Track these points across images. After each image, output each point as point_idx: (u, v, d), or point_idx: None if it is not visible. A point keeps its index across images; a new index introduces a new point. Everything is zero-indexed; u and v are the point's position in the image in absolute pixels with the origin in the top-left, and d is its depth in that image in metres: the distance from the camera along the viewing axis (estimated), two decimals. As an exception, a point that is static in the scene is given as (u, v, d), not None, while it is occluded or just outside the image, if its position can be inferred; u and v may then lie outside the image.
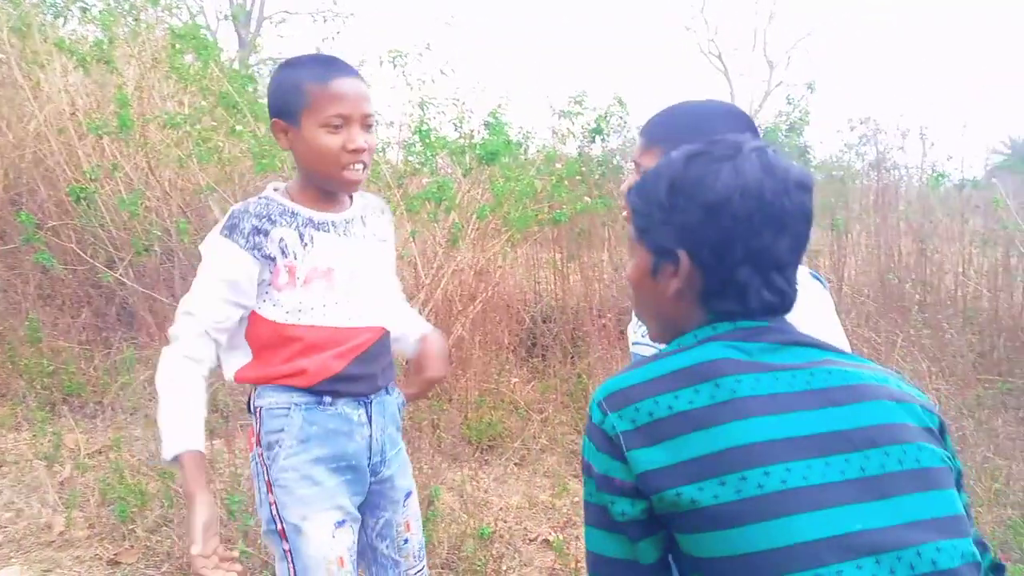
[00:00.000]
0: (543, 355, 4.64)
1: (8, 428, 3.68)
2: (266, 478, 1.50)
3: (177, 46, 4.48)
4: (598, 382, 4.17)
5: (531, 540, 2.99)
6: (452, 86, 4.45)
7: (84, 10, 5.45)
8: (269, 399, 1.50)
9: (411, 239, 4.24)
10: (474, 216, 4.16)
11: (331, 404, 1.50)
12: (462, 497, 3.10)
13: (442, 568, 2.66)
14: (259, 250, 1.45)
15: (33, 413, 3.72)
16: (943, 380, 4.09)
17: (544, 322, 4.91)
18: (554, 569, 2.77)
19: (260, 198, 1.51)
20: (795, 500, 0.81)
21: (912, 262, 4.96)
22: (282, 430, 1.48)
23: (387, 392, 1.62)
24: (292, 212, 1.49)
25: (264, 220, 1.46)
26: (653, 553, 0.88)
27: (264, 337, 1.49)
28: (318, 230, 1.50)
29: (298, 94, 1.44)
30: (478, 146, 4.07)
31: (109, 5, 5.56)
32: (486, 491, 3.32)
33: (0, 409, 3.85)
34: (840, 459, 0.84)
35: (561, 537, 2.95)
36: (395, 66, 3.96)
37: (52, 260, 4.23)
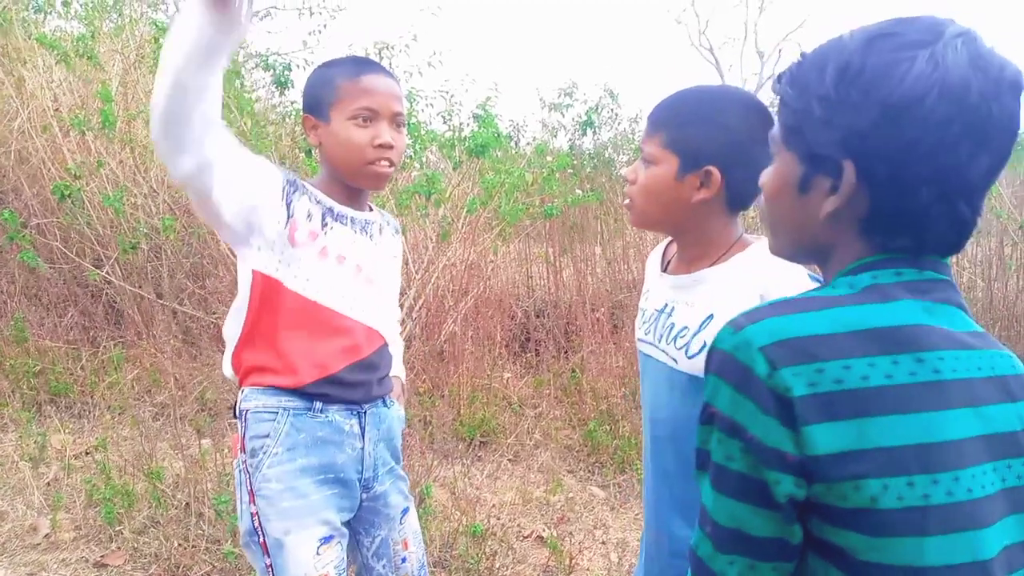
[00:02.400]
0: (536, 350, 4.61)
1: (-7, 430, 3.63)
2: (248, 486, 1.42)
3: (161, 41, 4.42)
4: (592, 377, 4.15)
5: (525, 537, 2.96)
6: (440, 78, 4.41)
7: (67, 5, 5.37)
8: (256, 402, 1.42)
9: (401, 234, 4.20)
10: (464, 210, 4.12)
11: (321, 411, 1.43)
12: (454, 494, 3.06)
13: (435, 566, 2.63)
14: (289, 195, 1.41)
15: (19, 414, 3.67)
16: (938, 370, 4.08)
17: (537, 317, 4.88)
18: (548, 566, 2.74)
19: (297, 178, 1.49)
20: (979, 512, 0.70)
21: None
22: (267, 435, 1.41)
23: (384, 404, 1.55)
24: (318, 199, 1.47)
25: (301, 189, 1.45)
26: (801, 531, 0.73)
27: (274, 304, 1.41)
28: (336, 220, 1.48)
29: (328, 88, 1.45)
30: (467, 139, 4.02)
31: (92, 0, 5.49)
32: (479, 488, 3.29)
33: (-15, 410, 3.79)
34: (1004, 465, 0.73)
35: (555, 533, 2.92)
36: (382, 59, 3.91)
37: (37, 259, 4.17)
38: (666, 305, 1.30)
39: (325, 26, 6.30)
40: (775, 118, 0.83)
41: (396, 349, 1.69)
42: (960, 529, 0.69)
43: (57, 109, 4.71)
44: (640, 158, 1.28)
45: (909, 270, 0.75)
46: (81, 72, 4.71)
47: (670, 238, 1.39)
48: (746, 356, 0.70)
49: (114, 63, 4.85)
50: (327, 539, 1.42)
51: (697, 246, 1.25)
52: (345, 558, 1.48)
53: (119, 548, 2.69)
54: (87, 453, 3.41)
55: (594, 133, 5.76)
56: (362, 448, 1.49)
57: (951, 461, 0.69)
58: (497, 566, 2.68)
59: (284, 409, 1.41)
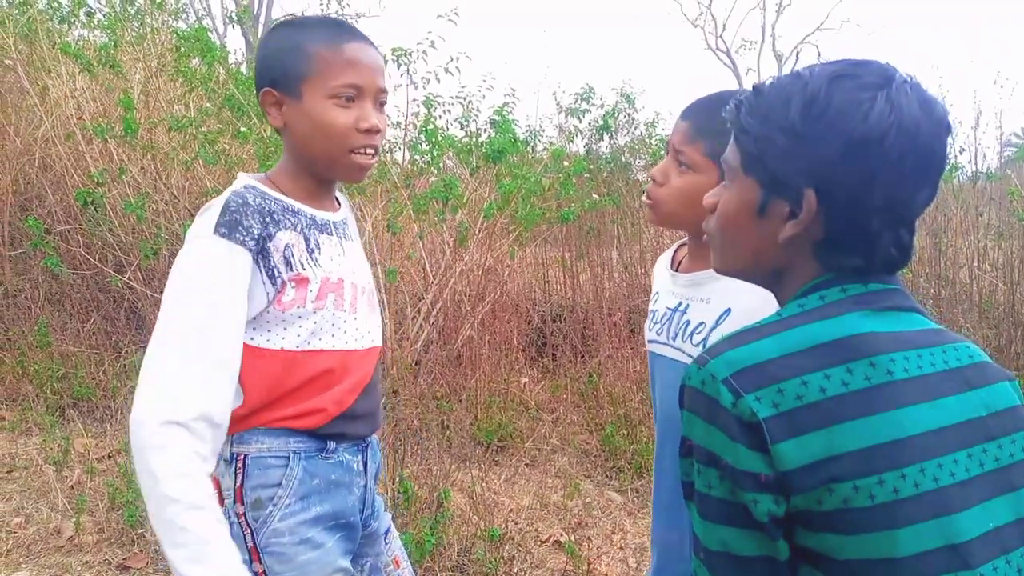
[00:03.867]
0: (553, 355, 4.61)
1: (18, 433, 3.68)
2: (251, 542, 1.18)
3: (183, 49, 4.48)
4: (609, 381, 4.15)
5: (542, 541, 2.95)
6: (458, 84, 4.44)
7: (90, 15, 5.46)
8: (259, 445, 1.18)
9: (419, 239, 4.22)
10: (481, 215, 4.13)
11: (334, 451, 1.24)
12: (472, 498, 3.07)
13: (452, 570, 2.64)
14: (265, 259, 1.14)
15: (43, 418, 3.72)
16: (959, 375, 4.03)
17: (554, 321, 4.89)
18: (566, 570, 2.74)
19: (248, 188, 1.19)
20: (949, 499, 0.74)
21: (926, 256, 4.90)
22: (279, 484, 1.18)
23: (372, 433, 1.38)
24: (293, 210, 1.20)
25: (268, 220, 1.15)
26: (787, 547, 0.76)
27: (268, 373, 1.18)
28: (321, 232, 1.23)
29: (301, 58, 1.16)
30: (485, 144, 4.04)
31: (115, 10, 5.57)
32: (496, 492, 3.29)
33: (10, 414, 3.85)
34: (979, 450, 0.77)
35: (573, 538, 2.92)
36: (399, 65, 3.93)
37: (61, 265, 4.24)
38: (680, 303, 1.31)
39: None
40: (733, 143, 0.87)
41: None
42: (931, 517, 0.73)
43: (80, 117, 4.79)
44: (670, 158, 1.26)
45: (854, 285, 0.81)
46: (104, 80, 4.78)
47: (679, 243, 1.40)
48: (711, 389, 0.75)
49: (136, 71, 4.92)
50: None
51: None
52: None
53: (141, 551, 2.72)
54: (110, 457, 3.45)
55: (611, 137, 5.75)
56: (364, 485, 1.32)
57: (916, 454, 0.74)
58: (515, 571, 2.68)
59: (295, 453, 1.20)
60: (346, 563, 1.27)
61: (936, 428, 0.75)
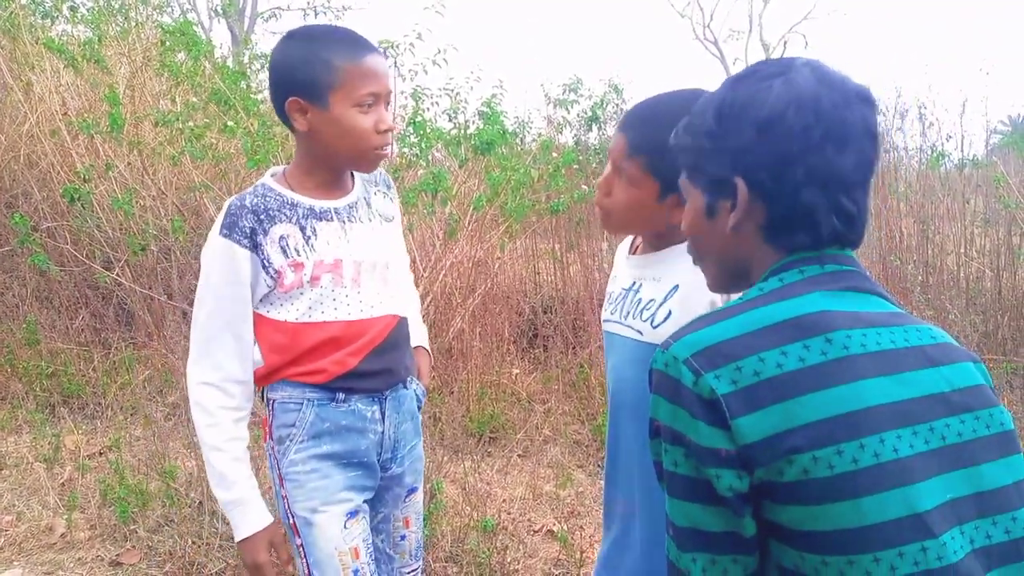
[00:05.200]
0: (544, 346, 4.62)
1: (8, 431, 3.66)
2: (278, 471, 1.47)
3: (168, 43, 4.45)
4: (600, 372, 4.16)
5: (535, 531, 2.97)
6: (446, 76, 4.42)
7: (73, 10, 5.41)
8: (281, 392, 1.46)
9: (408, 232, 4.21)
10: (471, 208, 4.13)
11: (344, 401, 1.46)
12: (465, 489, 3.08)
13: (446, 561, 2.65)
14: (260, 252, 1.39)
15: (33, 415, 3.71)
16: (947, 361, 4.06)
17: (544, 313, 4.89)
18: (559, 560, 2.75)
19: (258, 186, 1.44)
20: (908, 470, 0.76)
21: (914, 243, 4.93)
22: (293, 425, 1.45)
23: (404, 386, 1.56)
24: (292, 204, 1.42)
25: (263, 216, 1.39)
26: (753, 524, 0.79)
27: (276, 340, 1.44)
28: (320, 220, 1.43)
29: (326, 70, 1.34)
30: (473, 136, 4.03)
31: (99, 4, 5.52)
32: (489, 483, 3.30)
33: (0, 412, 3.84)
34: (941, 424, 0.80)
35: (565, 527, 2.94)
36: (387, 57, 3.92)
37: (48, 262, 4.20)
38: (634, 283, 1.37)
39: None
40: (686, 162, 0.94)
41: (413, 312, 1.68)
42: (892, 487, 0.75)
43: (65, 113, 4.75)
44: (612, 170, 1.29)
45: (811, 267, 0.86)
46: (88, 76, 4.74)
47: None
48: (674, 370, 0.80)
49: (121, 66, 4.88)
50: (352, 514, 1.47)
51: (666, 236, 1.32)
52: (370, 532, 1.53)
53: (134, 547, 2.72)
54: (101, 453, 3.44)
55: (599, 128, 5.75)
56: (382, 432, 1.51)
57: (874, 425, 0.76)
58: (508, 560, 2.69)
59: (308, 400, 1.45)
60: (356, 496, 1.49)
61: (895, 401, 0.78)
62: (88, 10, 5.47)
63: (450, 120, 4.46)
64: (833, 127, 0.83)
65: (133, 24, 5.31)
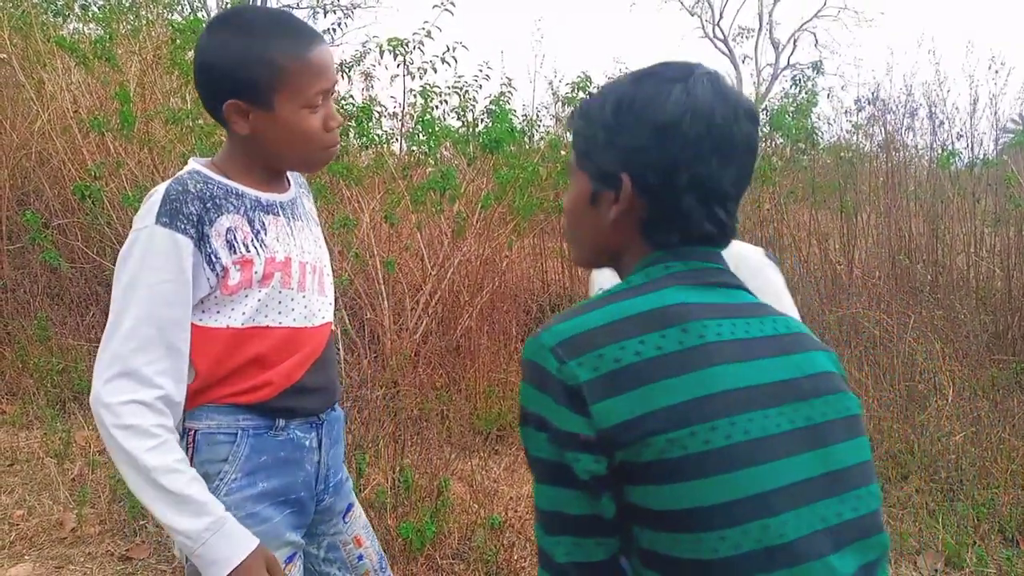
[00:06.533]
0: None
1: (19, 426, 3.69)
2: None
3: (178, 41, 4.47)
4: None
5: (542, 529, 2.97)
6: (454, 74, 4.41)
7: (84, 8, 5.44)
8: (208, 421, 1.22)
9: (417, 230, 4.22)
10: (479, 206, 4.13)
11: (283, 428, 1.27)
12: (472, 487, 3.09)
13: (453, 559, 2.65)
14: (206, 244, 1.18)
15: (43, 411, 3.74)
16: (956, 361, 4.05)
17: (552, 311, 4.90)
18: (566, 558, 2.75)
19: (192, 172, 1.22)
20: (758, 451, 0.80)
21: (923, 243, 4.91)
22: (225, 460, 1.22)
23: (333, 408, 1.40)
24: (237, 193, 1.23)
25: (209, 204, 1.19)
26: (613, 506, 0.82)
27: (214, 351, 1.21)
28: (267, 213, 1.26)
29: (269, 70, 1.17)
30: (482, 134, 4.04)
31: (110, 3, 5.55)
32: (496, 481, 3.31)
33: (11, 408, 3.86)
34: (790, 409, 0.83)
35: (572, 525, 2.94)
36: (396, 56, 3.92)
37: (59, 259, 4.24)
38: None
39: (340, 24, 6.32)
40: (571, 145, 0.98)
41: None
42: (740, 467, 0.79)
43: (76, 111, 4.78)
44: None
45: (676, 263, 0.90)
46: (99, 74, 4.77)
47: None
48: (540, 357, 0.83)
49: (132, 64, 4.91)
50: (291, 558, 1.30)
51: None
52: (308, 569, 1.41)
53: (143, 542, 2.74)
54: (111, 449, 3.46)
55: (608, 127, 5.75)
56: (318, 461, 1.34)
57: (726, 409, 0.80)
58: (515, 558, 2.70)
59: (243, 430, 1.24)
60: (295, 537, 1.31)
61: (748, 385, 0.82)
62: (99, 8, 5.50)
63: (459, 118, 4.46)
64: (722, 140, 0.87)
65: (144, 22, 5.34)
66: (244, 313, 1.22)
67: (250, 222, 1.23)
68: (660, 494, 0.79)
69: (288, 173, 1.37)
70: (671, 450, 0.78)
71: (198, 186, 1.20)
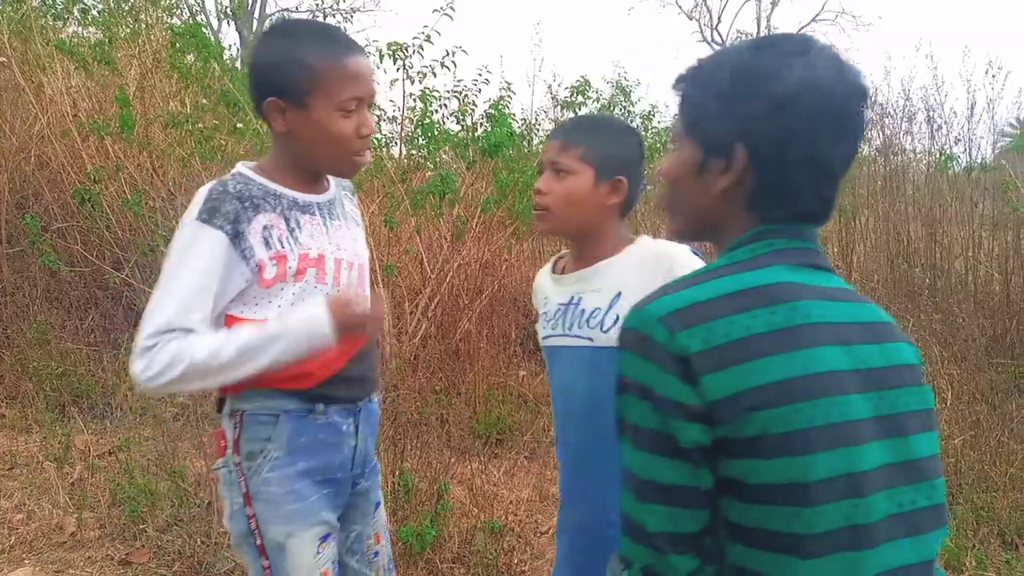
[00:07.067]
0: (551, 348, 4.62)
1: (18, 430, 3.69)
2: (243, 489, 1.36)
3: (178, 45, 4.47)
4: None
5: (542, 533, 2.98)
6: (454, 78, 4.40)
7: (84, 12, 5.44)
8: (254, 403, 1.35)
9: (416, 234, 4.22)
10: (478, 210, 4.14)
11: (323, 412, 1.38)
12: (472, 491, 3.09)
13: (453, 562, 2.65)
14: (241, 241, 1.28)
15: (43, 415, 3.73)
16: (955, 365, 4.06)
17: (551, 314, 4.90)
18: (566, 562, 2.75)
19: (236, 174, 1.35)
20: (851, 432, 0.82)
21: (922, 247, 4.92)
22: (268, 439, 1.35)
23: (370, 399, 1.50)
24: (275, 194, 1.34)
25: (247, 204, 1.30)
26: (710, 477, 0.83)
27: None
28: (304, 213, 1.37)
29: (305, 72, 1.28)
30: (481, 138, 4.04)
31: (109, 6, 5.56)
32: (496, 484, 3.31)
33: (10, 411, 3.86)
34: (877, 395, 0.85)
35: (572, 529, 2.94)
36: (395, 60, 3.93)
37: (58, 263, 4.23)
38: (572, 298, 1.46)
39: (340, 29, 6.31)
40: (677, 112, 0.97)
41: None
42: (837, 446, 0.81)
43: (76, 114, 4.78)
44: (549, 171, 1.45)
45: (779, 241, 0.90)
46: (99, 77, 4.77)
47: (555, 257, 1.59)
48: (648, 328, 0.84)
49: (131, 68, 4.91)
50: (325, 537, 1.40)
51: (596, 245, 1.46)
52: (339, 553, 1.49)
53: (143, 546, 2.74)
54: (110, 453, 3.46)
55: (607, 131, 5.76)
56: (355, 446, 1.45)
57: (825, 389, 0.81)
58: (515, 562, 2.70)
59: (286, 412, 1.36)
60: (330, 517, 1.41)
61: (844, 369, 0.83)
62: (99, 12, 5.50)
63: (458, 122, 4.47)
64: (838, 117, 0.87)
65: (143, 26, 5.34)
66: (279, 306, 1.32)
67: (286, 220, 1.34)
68: (761, 468, 0.80)
69: (330, 177, 1.47)
70: (775, 425, 0.79)
71: (238, 187, 1.32)
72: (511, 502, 3.17)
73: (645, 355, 0.83)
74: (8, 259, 4.68)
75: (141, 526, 2.80)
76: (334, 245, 1.40)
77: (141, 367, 1.24)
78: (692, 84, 0.94)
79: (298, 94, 1.29)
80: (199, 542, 2.67)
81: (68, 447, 3.39)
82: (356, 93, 1.31)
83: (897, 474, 0.85)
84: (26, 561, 2.67)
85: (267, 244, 1.31)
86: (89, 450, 3.44)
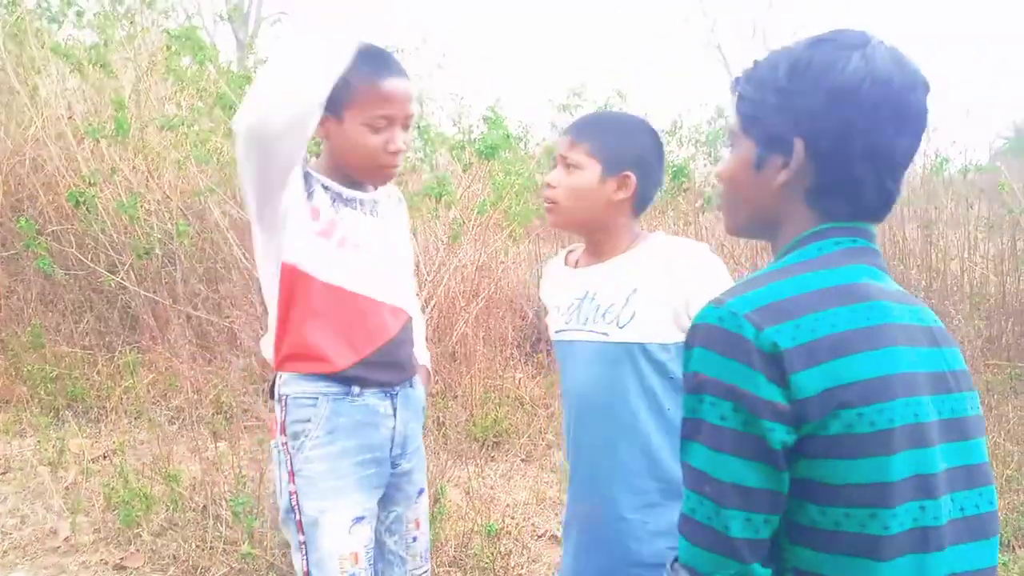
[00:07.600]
0: (547, 351, 4.62)
1: (12, 434, 3.67)
2: (289, 467, 1.49)
3: (173, 48, 4.46)
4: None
5: (539, 536, 2.97)
6: (450, 81, 4.41)
7: (79, 15, 5.42)
8: (296, 387, 1.49)
9: (412, 236, 4.21)
10: (475, 212, 4.13)
11: (359, 395, 1.49)
12: (468, 494, 3.08)
13: (450, 566, 2.64)
14: (309, 182, 1.45)
15: (37, 419, 3.72)
16: (951, 366, 4.05)
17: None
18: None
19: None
20: (924, 434, 0.82)
21: (917, 248, 4.92)
22: (308, 420, 1.47)
23: (411, 385, 1.60)
24: (324, 185, 1.49)
25: (310, 178, 1.47)
26: (788, 481, 0.81)
27: (315, 304, 1.45)
28: (346, 206, 1.51)
29: (344, 87, 1.38)
30: (477, 141, 4.04)
31: (104, 9, 5.54)
32: (492, 488, 3.30)
33: (4, 415, 3.84)
34: (939, 399, 0.85)
35: (569, 532, 2.93)
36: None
37: (53, 266, 4.22)
38: (587, 293, 1.47)
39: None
40: (734, 111, 0.97)
41: (419, 327, 1.72)
42: (913, 447, 0.81)
43: (71, 117, 4.76)
44: (560, 165, 1.46)
45: (845, 239, 0.89)
46: (94, 80, 4.76)
47: (566, 251, 1.60)
48: (733, 324, 0.81)
49: (126, 71, 4.90)
50: (359, 519, 1.49)
51: (608, 241, 1.46)
52: (373, 538, 1.55)
53: (138, 550, 2.72)
54: (105, 457, 3.45)
55: (603, 133, 5.77)
56: (393, 427, 1.54)
57: (903, 390, 0.81)
58: (512, 565, 2.69)
59: (323, 395, 1.47)
60: (367, 498, 1.51)
61: (915, 371, 0.83)
62: (94, 15, 5.49)
63: (454, 125, 4.47)
64: (899, 109, 0.86)
65: (139, 29, 5.33)
66: (321, 265, 1.44)
67: (332, 200, 1.49)
68: (845, 468, 0.79)
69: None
70: (859, 425, 0.78)
71: (304, 171, 1.47)
72: (508, 505, 3.17)
73: (728, 352, 0.80)
74: (3, 262, 4.66)
75: (136, 530, 2.78)
76: (364, 235, 1.52)
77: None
78: (749, 82, 0.93)
79: (337, 106, 1.42)
80: (194, 546, 2.65)
81: (62, 451, 3.38)
82: (386, 112, 1.44)
83: (959, 478, 0.85)
84: (20, 566, 2.66)
85: (320, 203, 1.46)
86: (83, 454, 3.43)
